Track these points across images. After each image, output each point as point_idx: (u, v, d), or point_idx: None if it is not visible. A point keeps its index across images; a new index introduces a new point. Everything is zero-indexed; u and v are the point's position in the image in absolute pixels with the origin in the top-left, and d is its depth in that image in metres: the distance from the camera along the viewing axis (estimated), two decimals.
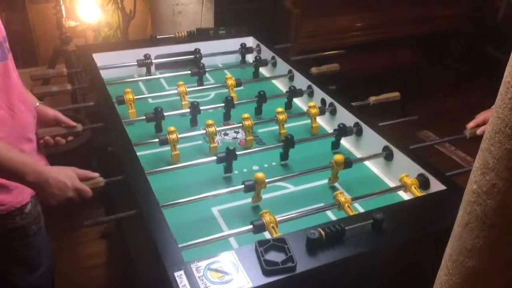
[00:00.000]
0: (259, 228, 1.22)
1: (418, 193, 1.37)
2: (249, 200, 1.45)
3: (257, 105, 1.90)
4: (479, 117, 1.63)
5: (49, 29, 3.19)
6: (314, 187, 1.52)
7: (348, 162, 1.49)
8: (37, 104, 1.57)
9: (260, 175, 1.36)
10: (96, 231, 2.69)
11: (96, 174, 1.37)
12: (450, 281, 0.85)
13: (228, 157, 1.52)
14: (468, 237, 0.80)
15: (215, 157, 1.51)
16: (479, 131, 1.57)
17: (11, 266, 1.51)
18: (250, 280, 1.02)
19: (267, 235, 1.25)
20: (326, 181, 1.53)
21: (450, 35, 4.30)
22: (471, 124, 1.62)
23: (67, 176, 1.29)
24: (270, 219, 1.24)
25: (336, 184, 1.54)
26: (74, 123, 1.59)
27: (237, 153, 1.53)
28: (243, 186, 1.37)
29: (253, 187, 1.37)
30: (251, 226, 1.22)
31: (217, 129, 1.67)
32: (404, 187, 1.41)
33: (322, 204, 1.37)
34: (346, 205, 1.31)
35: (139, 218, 1.24)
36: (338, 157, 1.47)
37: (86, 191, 1.32)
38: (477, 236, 0.77)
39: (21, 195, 1.41)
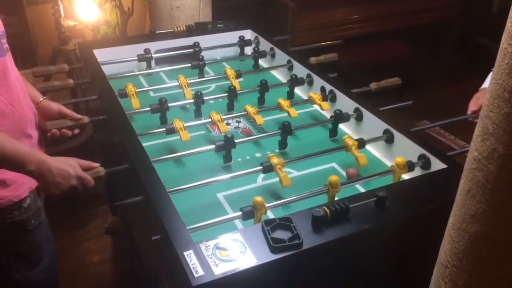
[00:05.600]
0: (248, 214, 1.22)
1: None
2: (253, 185, 1.48)
3: (259, 95, 1.92)
4: (474, 100, 1.66)
5: (48, 30, 3.21)
6: (316, 171, 1.55)
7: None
8: (41, 99, 1.59)
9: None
10: (101, 228, 2.71)
11: (97, 164, 1.39)
12: (454, 248, 0.88)
13: (227, 146, 1.53)
14: (471, 203, 0.82)
15: (213, 146, 1.53)
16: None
17: (11, 261, 1.51)
18: (258, 257, 1.04)
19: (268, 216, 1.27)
20: (327, 165, 1.56)
21: (445, 26, 4.33)
22: (472, 108, 1.65)
23: (69, 165, 1.30)
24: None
25: (337, 167, 1.56)
26: (79, 116, 1.61)
27: (236, 141, 1.54)
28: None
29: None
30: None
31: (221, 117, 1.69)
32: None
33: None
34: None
35: (147, 203, 1.26)
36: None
37: (88, 180, 1.33)
38: (479, 201, 0.80)
39: (19, 189, 1.42)
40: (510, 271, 0.80)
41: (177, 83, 1.95)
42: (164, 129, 1.62)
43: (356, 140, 1.54)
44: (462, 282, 0.86)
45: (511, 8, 0.68)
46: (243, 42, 2.35)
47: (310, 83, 1.99)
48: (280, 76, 2.21)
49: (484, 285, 0.84)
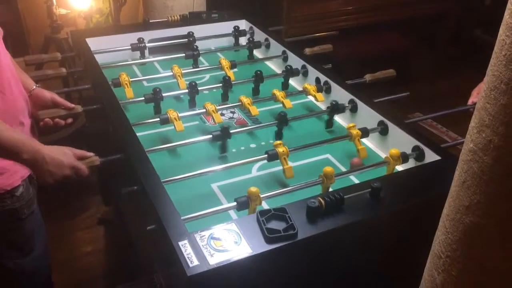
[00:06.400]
0: (243, 205, 1.22)
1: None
2: (248, 176, 1.48)
3: (254, 86, 1.91)
4: (477, 90, 1.65)
5: (40, 18, 3.17)
6: (311, 162, 1.55)
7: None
8: (34, 87, 1.57)
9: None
10: (94, 217, 2.71)
11: (91, 154, 1.39)
12: (448, 239, 0.88)
13: (223, 136, 1.53)
14: (465, 194, 0.82)
15: (210, 135, 1.52)
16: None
17: (3, 249, 1.51)
18: (253, 247, 1.04)
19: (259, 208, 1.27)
20: (322, 156, 1.56)
21: (440, 18, 4.34)
22: (474, 99, 1.64)
23: (64, 154, 1.30)
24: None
25: (332, 158, 1.57)
26: (72, 105, 1.59)
27: (231, 131, 1.54)
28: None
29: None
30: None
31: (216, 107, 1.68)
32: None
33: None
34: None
35: (142, 193, 1.25)
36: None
37: (83, 169, 1.33)
38: (474, 192, 0.80)
39: (12, 178, 1.41)
40: (503, 262, 0.80)
41: (171, 73, 1.94)
42: (158, 119, 1.61)
43: (360, 129, 1.54)
44: (455, 272, 0.87)
45: (509, 0, 0.68)
46: (237, 32, 2.33)
47: (305, 74, 1.99)
48: (274, 66, 2.20)
49: (477, 276, 0.85)
